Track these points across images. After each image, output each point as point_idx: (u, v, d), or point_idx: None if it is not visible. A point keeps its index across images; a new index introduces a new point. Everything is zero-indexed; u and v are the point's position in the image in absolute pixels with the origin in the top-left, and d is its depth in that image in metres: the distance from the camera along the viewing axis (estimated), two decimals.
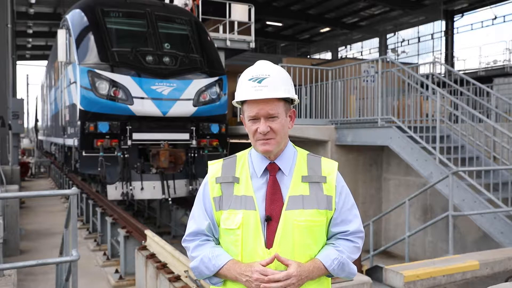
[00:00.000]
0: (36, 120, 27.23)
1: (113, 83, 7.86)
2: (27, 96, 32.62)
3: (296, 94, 1.83)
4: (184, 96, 8.33)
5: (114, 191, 7.97)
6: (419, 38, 29.13)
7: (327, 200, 1.75)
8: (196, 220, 1.82)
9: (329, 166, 1.82)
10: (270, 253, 1.68)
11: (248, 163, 1.81)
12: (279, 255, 1.65)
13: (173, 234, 9.01)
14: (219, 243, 1.81)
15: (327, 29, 30.03)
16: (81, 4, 8.96)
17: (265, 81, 1.70)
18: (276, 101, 1.71)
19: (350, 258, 1.78)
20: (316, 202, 1.73)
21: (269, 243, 1.69)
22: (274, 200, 1.72)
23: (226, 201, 1.76)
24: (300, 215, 1.70)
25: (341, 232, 1.79)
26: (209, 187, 1.81)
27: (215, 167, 1.84)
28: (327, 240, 1.81)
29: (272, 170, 1.77)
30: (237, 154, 1.87)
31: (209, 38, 9.76)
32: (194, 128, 8.53)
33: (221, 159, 1.87)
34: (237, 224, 1.71)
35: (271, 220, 1.70)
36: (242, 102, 1.78)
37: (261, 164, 1.78)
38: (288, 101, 1.77)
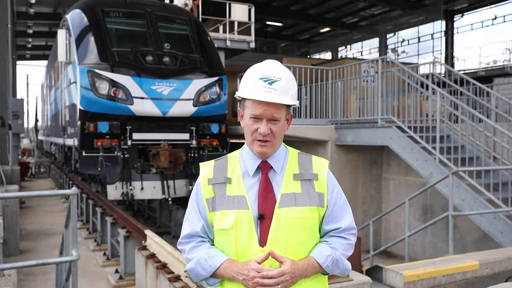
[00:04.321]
0: (36, 120, 27.23)
1: (113, 83, 7.86)
2: (27, 96, 32.64)
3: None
4: (184, 96, 8.33)
5: (114, 191, 7.97)
6: (419, 38, 29.14)
7: (319, 197, 1.77)
8: (190, 222, 1.83)
9: (320, 164, 1.83)
10: (264, 251, 1.69)
11: (239, 163, 1.81)
12: (273, 252, 1.66)
13: (173, 234, 9.01)
14: (214, 244, 1.82)
15: (327, 29, 30.04)
16: (81, 4, 8.96)
17: (275, 84, 1.70)
18: (281, 105, 1.72)
19: (344, 255, 1.79)
20: (308, 199, 1.75)
21: (262, 241, 1.71)
22: (267, 199, 1.73)
23: (219, 202, 1.76)
24: (293, 212, 1.72)
25: (333, 229, 1.81)
26: (201, 188, 1.81)
27: (206, 168, 1.84)
28: (320, 238, 1.82)
29: (265, 168, 1.78)
30: (228, 154, 1.88)
31: (209, 38, 9.77)
32: (194, 128, 8.53)
33: (213, 160, 1.87)
34: (230, 224, 1.72)
35: (264, 218, 1.72)
36: (245, 97, 1.77)
37: (253, 163, 1.79)
38: (289, 105, 1.78)
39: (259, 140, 1.73)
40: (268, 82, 1.70)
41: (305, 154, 1.86)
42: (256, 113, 1.71)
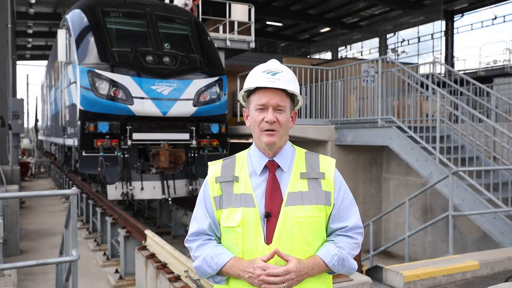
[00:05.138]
0: (36, 120, 27.22)
1: (113, 83, 7.86)
2: (27, 96, 32.53)
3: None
4: (184, 96, 8.33)
5: (114, 191, 7.97)
6: (419, 38, 29.14)
7: (326, 196, 1.78)
8: (197, 220, 1.85)
9: (327, 163, 1.85)
10: (269, 249, 1.70)
11: (247, 162, 1.84)
12: (279, 250, 1.67)
13: (173, 234, 9.01)
14: (221, 242, 1.83)
15: (327, 29, 30.03)
16: (81, 4, 8.96)
17: (278, 75, 1.77)
18: (285, 95, 1.78)
19: (350, 254, 1.80)
20: (315, 198, 1.76)
21: (268, 239, 1.72)
22: (274, 197, 1.75)
23: (226, 200, 1.78)
24: (299, 211, 1.73)
25: (340, 228, 1.82)
26: (209, 187, 1.84)
27: (215, 167, 1.87)
28: (327, 236, 1.83)
29: (272, 167, 1.80)
30: (236, 154, 1.90)
31: (209, 38, 9.76)
32: (194, 128, 8.53)
33: (221, 160, 1.90)
34: (237, 221, 1.73)
35: (270, 217, 1.73)
36: (249, 94, 1.82)
37: (260, 161, 1.81)
38: (292, 101, 1.83)
39: (266, 130, 1.75)
40: (271, 74, 1.77)
41: (312, 153, 1.88)
42: (262, 102, 1.75)
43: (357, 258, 5.39)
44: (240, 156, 1.88)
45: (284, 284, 1.64)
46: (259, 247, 1.71)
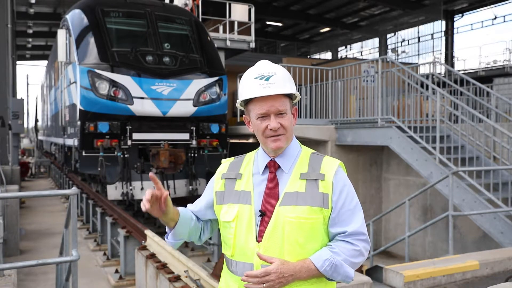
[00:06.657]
0: (36, 120, 27.23)
1: (113, 83, 7.86)
2: (27, 96, 32.52)
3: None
4: (184, 96, 8.34)
5: (114, 191, 7.98)
6: (419, 38, 29.14)
7: (323, 198, 1.72)
8: (195, 203, 1.99)
9: (330, 164, 1.79)
10: (259, 246, 1.70)
11: (253, 161, 1.86)
12: (260, 254, 1.67)
13: None
14: (204, 226, 1.97)
15: (327, 29, 30.03)
16: (81, 4, 8.96)
17: (272, 78, 1.73)
18: (283, 97, 1.75)
19: (348, 261, 1.70)
20: (310, 199, 1.71)
21: (260, 237, 1.72)
22: (270, 196, 1.75)
23: (227, 196, 1.82)
24: (292, 211, 1.70)
25: (339, 233, 1.74)
26: (214, 181, 1.91)
27: (224, 164, 1.93)
28: (329, 241, 1.77)
29: (272, 167, 1.80)
30: (247, 153, 1.93)
31: (209, 38, 9.77)
32: (194, 128, 8.53)
33: (233, 158, 1.95)
34: (231, 216, 1.77)
35: (265, 215, 1.73)
36: (247, 102, 1.79)
37: (263, 161, 1.82)
38: (291, 98, 1.81)
39: (271, 136, 1.75)
40: (264, 79, 1.73)
41: (318, 154, 1.85)
42: (262, 111, 1.73)
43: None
44: (249, 155, 1.91)
45: (264, 285, 1.63)
46: (250, 244, 1.72)
